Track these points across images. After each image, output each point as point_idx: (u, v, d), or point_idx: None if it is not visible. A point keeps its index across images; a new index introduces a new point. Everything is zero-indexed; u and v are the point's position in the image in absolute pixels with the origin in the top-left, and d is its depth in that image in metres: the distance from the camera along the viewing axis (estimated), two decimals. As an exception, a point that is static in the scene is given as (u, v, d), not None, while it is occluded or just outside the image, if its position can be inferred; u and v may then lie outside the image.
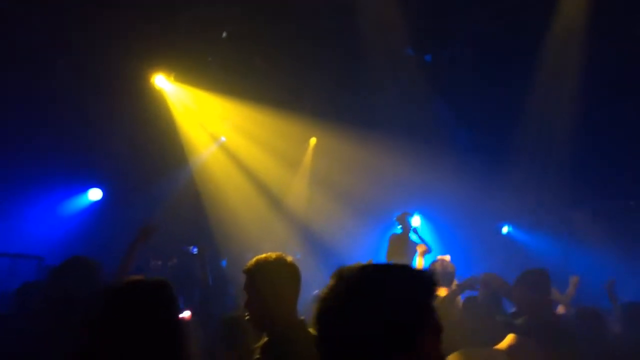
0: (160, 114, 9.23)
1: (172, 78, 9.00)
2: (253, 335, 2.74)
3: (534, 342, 3.15)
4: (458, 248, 9.15)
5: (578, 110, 8.18)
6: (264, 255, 2.56)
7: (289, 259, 2.56)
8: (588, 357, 3.38)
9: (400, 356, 1.25)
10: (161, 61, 8.67)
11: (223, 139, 10.69)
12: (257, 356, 2.45)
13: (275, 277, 2.47)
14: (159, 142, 9.41)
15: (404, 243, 8.16)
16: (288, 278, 2.51)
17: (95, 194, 10.04)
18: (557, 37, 7.55)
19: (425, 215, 10.80)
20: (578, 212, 10.03)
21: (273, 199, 10.63)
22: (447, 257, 4.74)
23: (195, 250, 6.74)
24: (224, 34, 8.35)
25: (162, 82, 8.98)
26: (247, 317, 2.52)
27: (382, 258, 8.37)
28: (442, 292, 4.48)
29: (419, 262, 5.30)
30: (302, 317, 2.53)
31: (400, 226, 8.43)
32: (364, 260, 2.11)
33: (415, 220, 9.82)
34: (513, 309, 4.03)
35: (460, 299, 4.45)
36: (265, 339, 2.47)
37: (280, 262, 2.53)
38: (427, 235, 9.99)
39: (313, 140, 11.01)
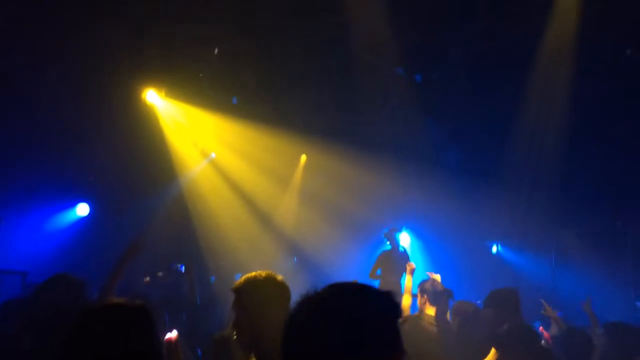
0: (151, 130, 9.19)
1: (163, 93, 8.99)
2: (241, 356, 2.69)
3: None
4: (448, 266, 9.16)
5: (567, 131, 8.28)
6: (253, 274, 2.50)
7: (279, 277, 2.51)
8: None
9: None
10: (152, 76, 8.67)
11: (213, 155, 10.65)
12: (245, 377, 2.41)
13: (263, 297, 2.42)
14: (149, 157, 9.35)
15: (393, 260, 8.15)
16: (277, 297, 2.44)
17: (83, 210, 9.93)
18: (547, 58, 7.66)
19: (415, 234, 10.81)
20: (566, 231, 10.09)
21: (263, 216, 10.57)
22: (438, 277, 4.71)
23: (182, 269, 6.66)
24: (216, 51, 8.39)
25: (153, 98, 8.96)
26: (234, 337, 2.46)
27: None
28: (431, 311, 4.45)
29: (408, 281, 5.27)
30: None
31: (388, 242, 8.44)
32: (352, 278, 2.09)
33: (404, 238, 9.83)
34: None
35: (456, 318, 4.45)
36: (253, 359, 2.42)
37: (269, 281, 2.48)
38: (415, 252, 10.02)
39: (303, 158, 11.01)
